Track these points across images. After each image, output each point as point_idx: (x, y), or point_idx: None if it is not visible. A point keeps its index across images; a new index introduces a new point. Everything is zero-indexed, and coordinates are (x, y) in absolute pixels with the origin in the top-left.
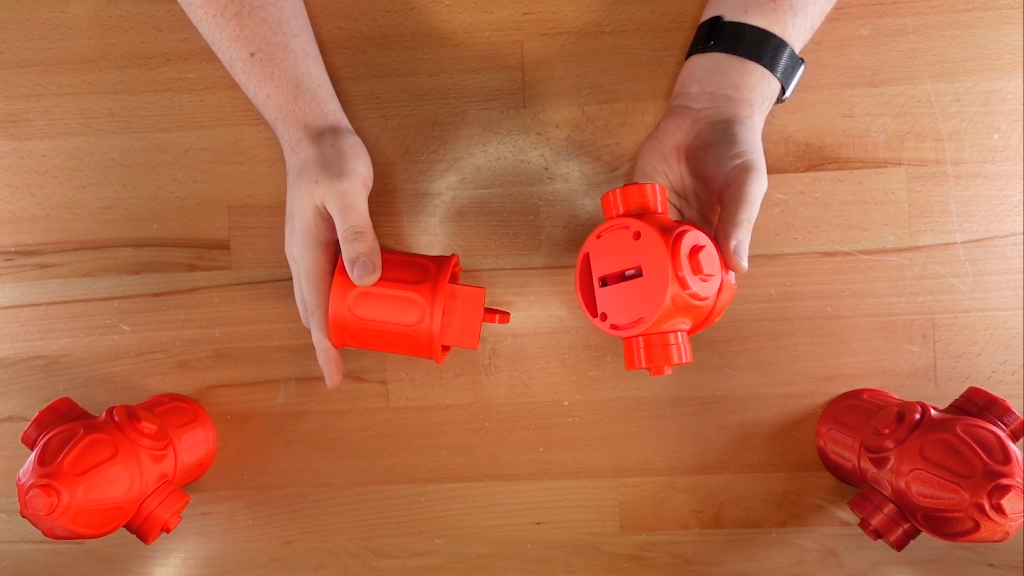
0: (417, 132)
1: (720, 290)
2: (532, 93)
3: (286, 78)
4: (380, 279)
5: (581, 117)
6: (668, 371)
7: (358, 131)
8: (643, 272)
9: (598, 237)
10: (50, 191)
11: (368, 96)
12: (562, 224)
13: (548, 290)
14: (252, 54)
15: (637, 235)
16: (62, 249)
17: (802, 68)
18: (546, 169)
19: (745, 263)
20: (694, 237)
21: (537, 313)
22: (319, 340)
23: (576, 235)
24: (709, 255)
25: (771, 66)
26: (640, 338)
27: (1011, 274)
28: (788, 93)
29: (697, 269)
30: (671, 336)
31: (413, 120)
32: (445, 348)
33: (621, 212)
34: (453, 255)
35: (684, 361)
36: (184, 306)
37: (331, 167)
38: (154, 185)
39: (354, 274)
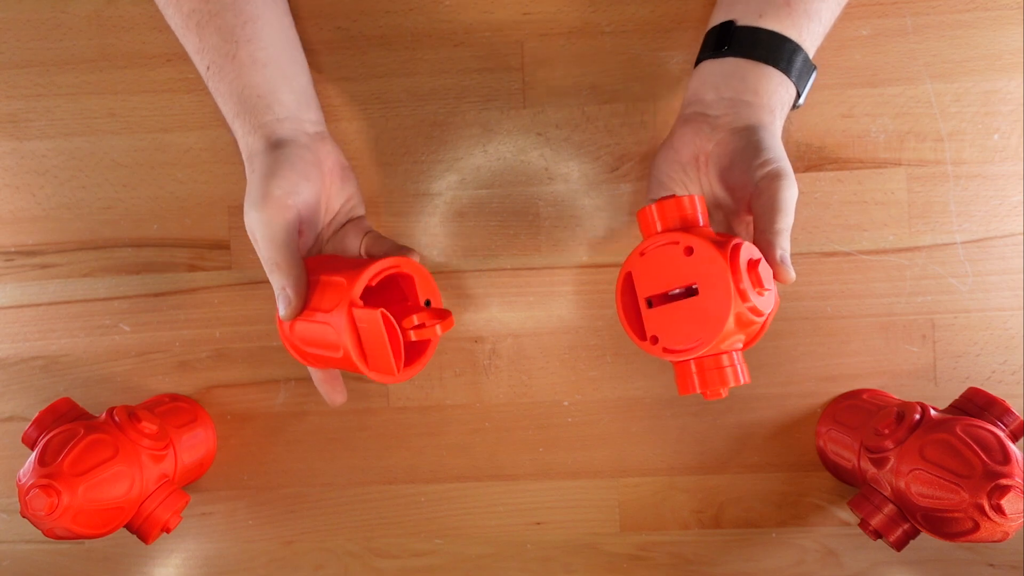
0: (417, 132)
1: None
2: (532, 93)
3: (230, 92)
4: (306, 308)
5: (581, 117)
6: (724, 393)
7: (358, 131)
8: (699, 290)
9: (642, 255)
10: (50, 191)
11: (368, 96)
12: (562, 224)
13: (548, 290)
14: (208, 67)
15: (689, 250)
16: (62, 249)
17: (814, 74)
18: (546, 169)
19: (793, 273)
20: (749, 250)
21: (537, 313)
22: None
23: (576, 235)
24: (766, 267)
25: (787, 71)
26: (692, 362)
27: (1011, 274)
28: (802, 99)
29: (757, 283)
30: (724, 358)
31: (413, 120)
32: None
33: (660, 229)
34: (377, 260)
35: (742, 382)
36: (184, 306)
37: (251, 197)
38: (154, 185)
39: (279, 309)
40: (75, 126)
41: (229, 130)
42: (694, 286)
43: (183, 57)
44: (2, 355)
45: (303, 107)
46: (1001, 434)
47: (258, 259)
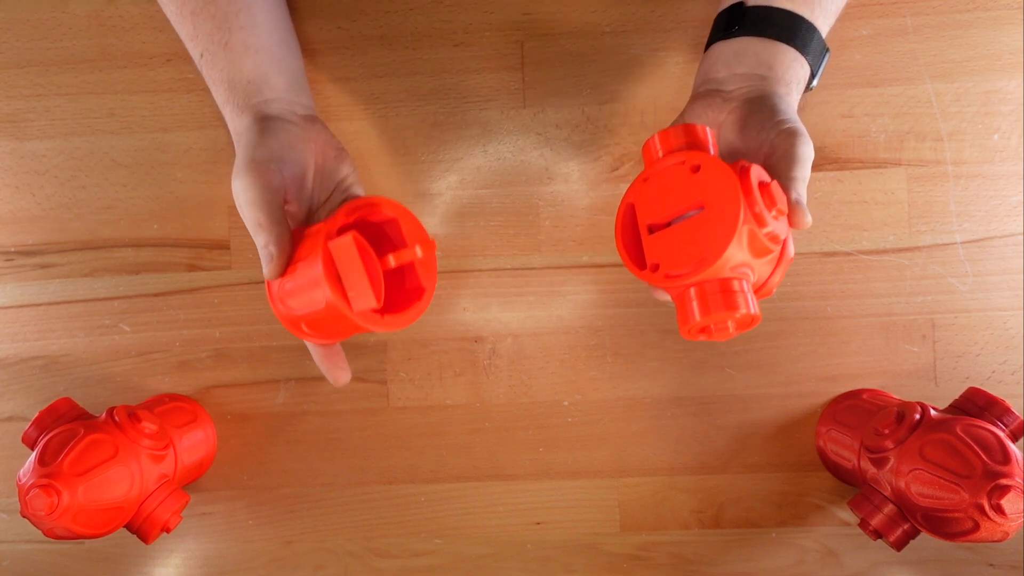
0: (417, 132)
1: (783, 251)
2: (532, 93)
3: (221, 78)
4: (291, 263)
5: (581, 117)
6: (732, 329)
7: (358, 131)
8: (706, 208)
9: (645, 180)
10: (50, 191)
11: (368, 96)
12: (562, 224)
13: (548, 290)
14: (201, 55)
15: (696, 168)
16: (62, 249)
17: (827, 56)
18: (546, 169)
19: (809, 217)
20: (759, 172)
21: (537, 313)
22: (307, 339)
23: (576, 235)
24: (779, 191)
25: (803, 49)
26: (693, 288)
27: (1011, 274)
28: (816, 81)
29: (771, 203)
30: (735, 283)
31: (413, 120)
32: (391, 311)
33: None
34: (348, 202)
35: (752, 311)
36: (184, 306)
37: (236, 166)
38: (154, 185)
39: (263, 268)
40: (75, 126)
41: (223, 120)
42: (701, 207)
43: (183, 57)
44: (2, 355)
45: (294, 91)
46: (1001, 434)
47: (258, 259)
